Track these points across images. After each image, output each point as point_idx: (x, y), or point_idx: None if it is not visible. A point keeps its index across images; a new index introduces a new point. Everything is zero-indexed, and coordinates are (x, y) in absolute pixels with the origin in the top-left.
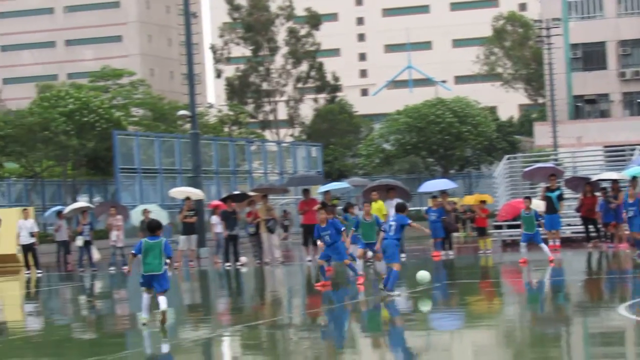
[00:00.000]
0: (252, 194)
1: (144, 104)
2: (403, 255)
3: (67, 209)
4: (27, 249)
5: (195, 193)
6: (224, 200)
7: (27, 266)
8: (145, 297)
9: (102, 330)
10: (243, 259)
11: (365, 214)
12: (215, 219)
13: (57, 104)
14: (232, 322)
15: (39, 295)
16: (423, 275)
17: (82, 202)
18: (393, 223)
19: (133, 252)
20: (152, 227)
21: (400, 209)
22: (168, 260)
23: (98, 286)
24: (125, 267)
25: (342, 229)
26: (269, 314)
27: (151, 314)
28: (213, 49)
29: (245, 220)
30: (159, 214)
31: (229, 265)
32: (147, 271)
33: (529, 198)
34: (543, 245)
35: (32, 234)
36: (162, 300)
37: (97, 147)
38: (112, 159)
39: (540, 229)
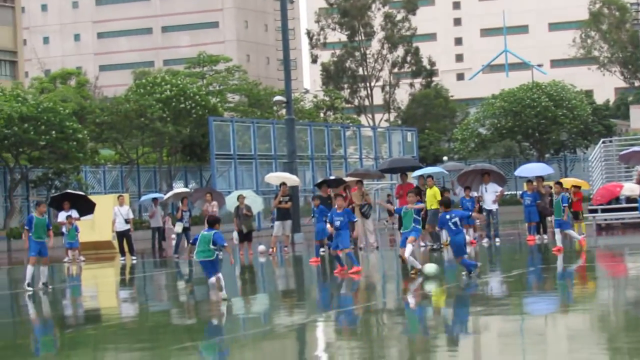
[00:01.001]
0: (347, 179)
1: (239, 90)
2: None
3: (167, 195)
4: (122, 235)
5: (290, 179)
6: (319, 185)
7: (122, 252)
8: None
9: (197, 316)
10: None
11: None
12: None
13: (153, 91)
14: (325, 307)
15: (134, 282)
16: (430, 268)
17: (181, 189)
18: (456, 219)
19: (190, 241)
20: (210, 222)
21: (446, 204)
22: (221, 248)
23: (193, 272)
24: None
25: (355, 220)
26: (362, 300)
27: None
28: (309, 34)
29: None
30: (254, 200)
31: (323, 251)
32: (198, 258)
33: (559, 184)
34: (571, 231)
35: (127, 221)
36: (213, 281)
37: (193, 134)
38: (208, 145)
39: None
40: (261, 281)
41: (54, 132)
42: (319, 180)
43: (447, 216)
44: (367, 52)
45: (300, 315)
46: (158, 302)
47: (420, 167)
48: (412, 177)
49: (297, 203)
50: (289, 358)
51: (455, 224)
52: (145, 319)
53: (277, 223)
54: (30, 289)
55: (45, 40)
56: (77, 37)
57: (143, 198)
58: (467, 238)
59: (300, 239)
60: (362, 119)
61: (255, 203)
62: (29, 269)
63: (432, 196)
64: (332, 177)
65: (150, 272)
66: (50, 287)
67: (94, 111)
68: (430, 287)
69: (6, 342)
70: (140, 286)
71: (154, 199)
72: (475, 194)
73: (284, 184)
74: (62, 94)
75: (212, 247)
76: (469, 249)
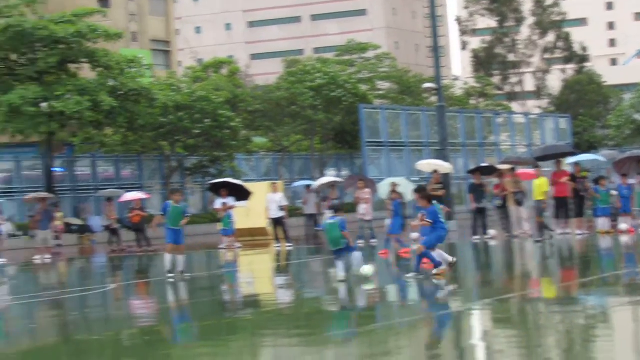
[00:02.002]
0: (500, 166)
1: (389, 78)
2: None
3: (316, 184)
4: (276, 222)
5: (443, 166)
6: (472, 172)
7: (277, 239)
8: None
9: (351, 303)
10: (492, 232)
11: None
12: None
13: (304, 79)
14: (481, 295)
15: (289, 268)
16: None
17: (330, 177)
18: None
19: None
20: (334, 208)
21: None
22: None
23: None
24: (374, 240)
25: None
26: (518, 288)
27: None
28: (458, 20)
29: (492, 193)
30: (406, 187)
31: (477, 239)
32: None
33: (603, 178)
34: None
35: (281, 208)
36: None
37: (344, 121)
38: (359, 132)
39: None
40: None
41: (208, 120)
42: (472, 167)
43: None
44: (517, 38)
45: (455, 304)
46: (313, 288)
47: (575, 154)
48: (567, 164)
49: (449, 191)
50: (442, 346)
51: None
52: (300, 306)
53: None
54: (171, 275)
55: (198, 30)
56: (228, 27)
57: (295, 184)
58: (624, 226)
59: (453, 226)
60: (514, 105)
61: (408, 190)
62: (167, 257)
63: (539, 186)
64: (484, 165)
65: (305, 259)
66: (187, 275)
67: (246, 99)
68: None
69: (167, 327)
70: (296, 273)
71: (307, 186)
72: (632, 181)
73: (436, 171)
74: (215, 82)
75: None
76: (626, 238)
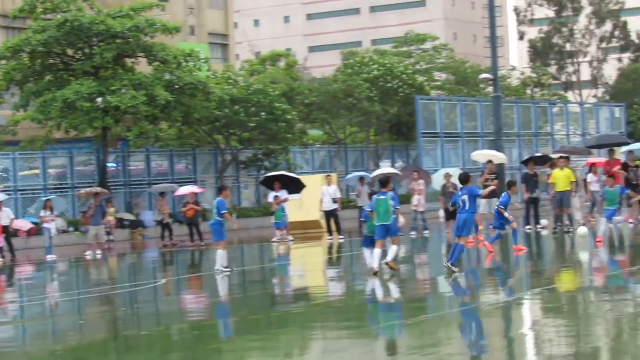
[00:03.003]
0: (554, 156)
1: (446, 69)
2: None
3: (373, 174)
4: (329, 214)
5: (497, 156)
6: (526, 162)
7: (330, 232)
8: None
9: (403, 294)
10: (544, 222)
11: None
12: (591, 177)
13: (361, 71)
14: (532, 285)
15: (341, 261)
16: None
17: (387, 169)
18: (466, 196)
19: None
20: (383, 182)
21: (463, 180)
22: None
23: (400, 251)
24: (426, 231)
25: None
26: (568, 278)
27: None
28: (516, 11)
29: (546, 182)
30: None
31: (529, 228)
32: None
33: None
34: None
35: (335, 200)
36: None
37: (400, 113)
38: (415, 124)
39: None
40: (466, 260)
41: (264, 113)
42: (526, 157)
43: (460, 193)
44: (575, 27)
45: (503, 294)
46: (364, 281)
47: (628, 143)
48: (621, 153)
49: (503, 181)
50: (492, 336)
51: (464, 201)
52: (351, 298)
53: (483, 201)
54: (228, 270)
55: (256, 23)
56: (286, 20)
57: (349, 177)
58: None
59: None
60: (570, 95)
61: None
62: (223, 253)
63: (565, 177)
64: (538, 155)
65: (358, 251)
66: (228, 270)
67: (303, 92)
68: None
69: (218, 321)
70: (348, 265)
71: (361, 178)
72: None
73: (490, 161)
74: (272, 75)
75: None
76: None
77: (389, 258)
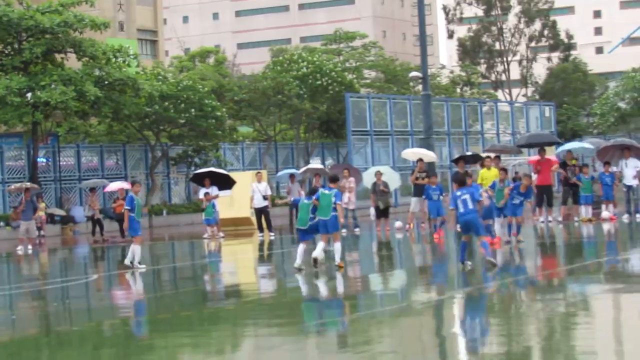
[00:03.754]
0: (484, 155)
1: (376, 66)
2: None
3: (301, 170)
4: (260, 211)
5: (427, 155)
6: (456, 161)
7: (261, 229)
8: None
9: (333, 292)
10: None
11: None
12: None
13: (290, 68)
14: (464, 284)
15: (272, 258)
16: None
17: (315, 164)
18: (467, 196)
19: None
20: (333, 179)
21: (461, 181)
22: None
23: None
24: (357, 229)
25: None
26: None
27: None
28: (445, 9)
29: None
30: (391, 176)
31: None
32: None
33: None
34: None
35: (265, 197)
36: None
37: (330, 110)
38: (345, 121)
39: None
40: (398, 258)
41: (193, 110)
42: (456, 156)
43: (458, 193)
44: (504, 26)
45: (436, 293)
46: (295, 278)
47: (558, 143)
48: (555, 152)
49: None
50: (425, 334)
51: (465, 202)
52: (282, 295)
53: (414, 199)
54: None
55: (185, 19)
56: (215, 16)
57: (279, 174)
58: (607, 214)
59: None
60: (499, 94)
61: (393, 179)
62: (138, 249)
63: (494, 177)
64: (468, 153)
65: (288, 249)
66: (143, 266)
67: (232, 89)
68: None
69: (149, 317)
70: (279, 262)
71: (291, 175)
72: (615, 169)
73: (421, 160)
74: (201, 72)
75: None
76: (607, 225)
77: (337, 259)
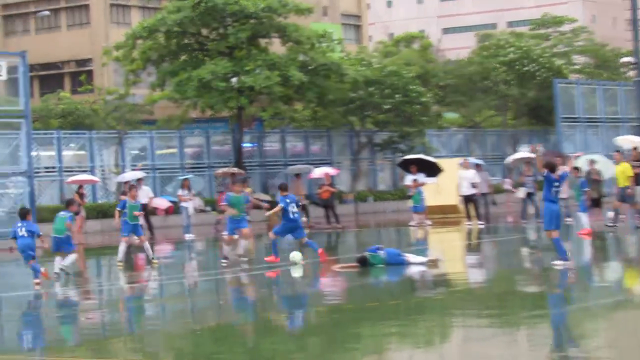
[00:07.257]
0: None
1: (585, 52)
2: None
3: (511, 159)
4: (467, 199)
5: None
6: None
7: (468, 217)
8: None
9: (547, 284)
10: None
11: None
12: None
13: (496, 53)
14: None
15: (480, 247)
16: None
17: (525, 153)
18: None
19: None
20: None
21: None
22: None
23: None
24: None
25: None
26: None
27: None
28: None
29: None
30: (605, 164)
31: None
32: None
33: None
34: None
35: (473, 185)
36: None
37: (538, 96)
38: (553, 108)
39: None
40: (613, 250)
41: (398, 95)
42: None
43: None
44: None
45: None
46: (505, 268)
47: None
48: None
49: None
50: None
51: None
52: (492, 285)
53: (638, 188)
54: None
55: (389, 4)
56: (419, 0)
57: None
58: None
59: None
60: None
61: (607, 168)
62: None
63: (621, 172)
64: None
65: (497, 238)
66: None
67: (438, 74)
68: None
69: (356, 305)
70: (487, 251)
71: (477, 165)
72: None
73: (636, 148)
74: (406, 57)
75: None
76: None
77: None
